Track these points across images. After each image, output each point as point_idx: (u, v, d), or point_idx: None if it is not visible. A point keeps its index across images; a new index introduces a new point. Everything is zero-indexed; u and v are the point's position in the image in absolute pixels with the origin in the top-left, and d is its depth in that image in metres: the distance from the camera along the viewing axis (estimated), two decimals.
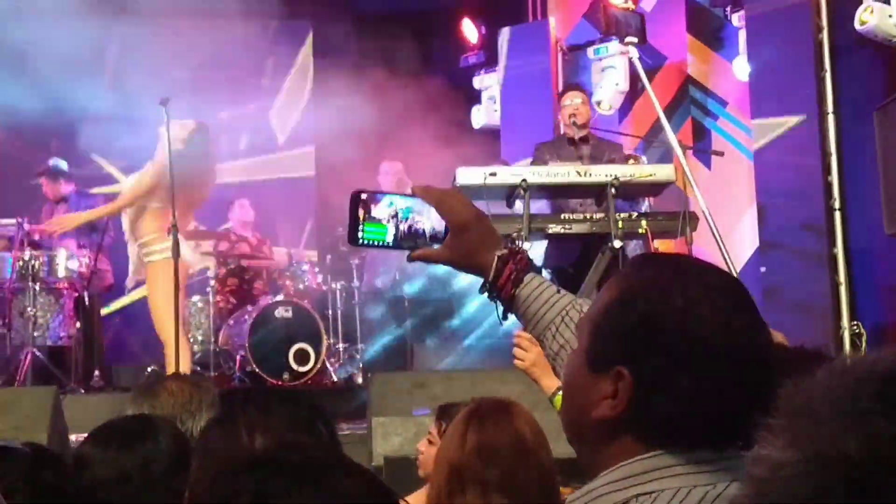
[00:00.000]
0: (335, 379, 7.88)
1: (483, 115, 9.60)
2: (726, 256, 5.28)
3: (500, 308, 1.65)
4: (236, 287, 8.23)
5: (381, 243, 1.62)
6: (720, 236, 5.29)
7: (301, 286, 8.16)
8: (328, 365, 7.84)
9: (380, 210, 1.60)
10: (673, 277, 1.21)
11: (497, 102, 9.57)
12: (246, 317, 7.68)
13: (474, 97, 9.85)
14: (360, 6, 9.81)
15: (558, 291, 1.62)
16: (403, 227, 1.61)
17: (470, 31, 9.89)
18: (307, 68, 10.36)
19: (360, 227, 1.60)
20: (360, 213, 1.59)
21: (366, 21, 9.81)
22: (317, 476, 0.94)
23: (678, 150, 5.74)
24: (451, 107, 9.45)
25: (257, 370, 7.42)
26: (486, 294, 1.64)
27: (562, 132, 6.93)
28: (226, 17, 8.84)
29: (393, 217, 1.61)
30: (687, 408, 1.15)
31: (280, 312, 7.63)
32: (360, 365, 8.06)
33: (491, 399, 2.59)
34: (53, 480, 1.93)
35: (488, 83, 9.73)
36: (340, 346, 8.12)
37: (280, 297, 7.80)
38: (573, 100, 6.61)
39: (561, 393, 2.67)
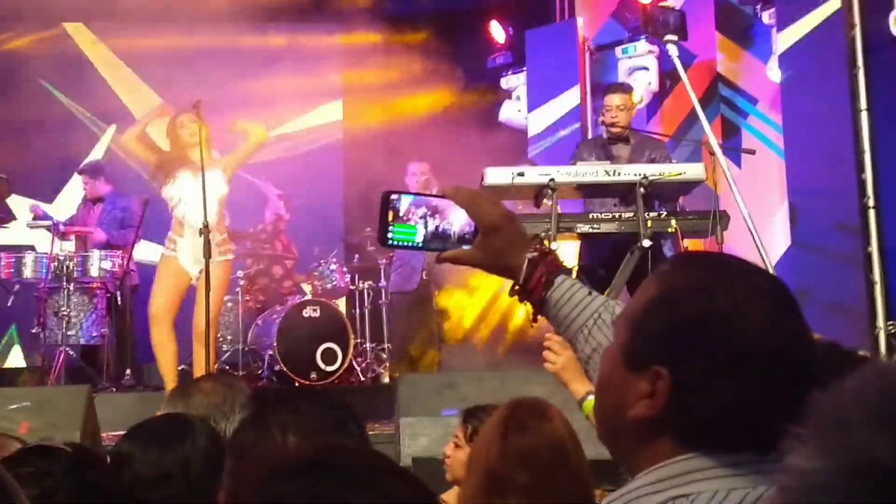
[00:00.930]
0: (362, 378, 7.91)
1: (511, 110, 9.60)
2: (763, 256, 5.23)
3: (531, 310, 1.64)
4: (265, 286, 8.28)
5: (410, 244, 1.62)
6: (758, 235, 5.23)
7: (329, 286, 8.19)
8: (355, 364, 7.87)
9: (409, 211, 1.61)
10: (717, 277, 1.19)
11: (524, 103, 9.56)
12: (274, 316, 7.73)
13: (502, 98, 9.85)
14: (388, 7, 9.82)
15: (590, 293, 1.60)
16: (433, 228, 1.61)
17: (497, 31, 9.89)
18: (336, 69, 10.39)
19: (390, 228, 1.60)
20: (390, 214, 1.60)
21: (394, 22, 9.83)
22: (367, 478, 0.95)
23: (715, 145, 5.68)
24: (479, 108, 9.46)
25: (285, 369, 7.47)
26: (515, 296, 1.63)
27: (600, 131, 6.91)
28: (255, 17, 8.91)
29: (422, 218, 1.61)
30: (727, 410, 1.13)
31: (308, 312, 7.67)
32: (387, 365, 8.08)
33: (526, 401, 2.55)
34: (95, 479, 1.94)
35: (515, 83, 9.73)
36: (367, 345, 8.14)
37: (308, 297, 7.84)
38: (616, 101, 6.57)
39: (590, 398, 2.67)
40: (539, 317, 1.64)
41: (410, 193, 1.62)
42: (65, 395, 5.17)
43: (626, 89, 6.83)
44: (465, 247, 1.61)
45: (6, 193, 7.38)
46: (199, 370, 5.94)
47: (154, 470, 2.05)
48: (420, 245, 1.62)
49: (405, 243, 1.62)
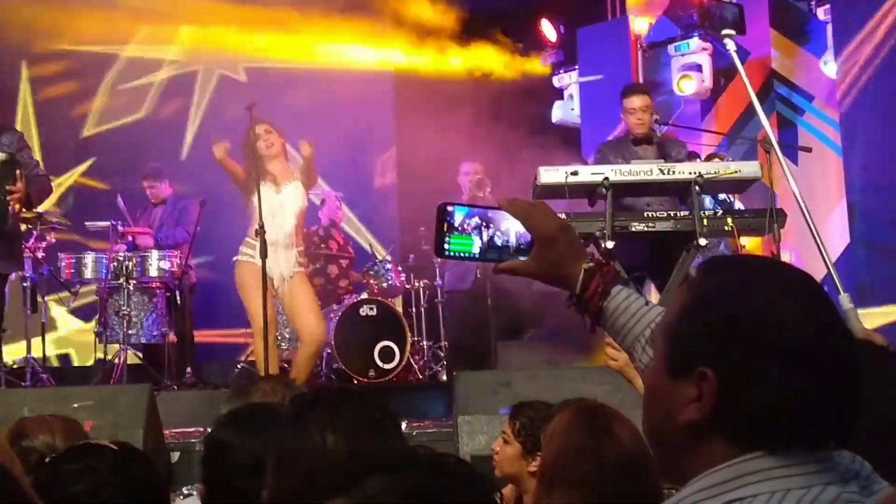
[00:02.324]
0: (420, 376, 7.96)
1: (562, 110, 9.58)
2: (823, 254, 5.17)
3: (588, 320, 1.65)
4: (322, 286, 8.36)
5: (467, 255, 1.64)
6: (818, 233, 5.17)
7: (385, 284, 8.25)
8: (413, 362, 7.92)
9: (465, 222, 1.62)
10: (749, 276, 1.21)
11: (576, 101, 9.55)
12: (332, 315, 7.80)
13: (554, 97, 9.84)
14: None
15: (646, 304, 1.62)
16: (489, 239, 1.62)
17: (549, 30, 9.88)
18: (389, 69, 10.43)
19: (447, 239, 1.62)
20: (446, 225, 1.62)
21: (447, 21, 9.84)
22: (464, 474, 0.97)
23: (774, 142, 5.63)
24: (531, 107, 9.45)
25: (343, 367, 7.54)
26: (572, 307, 1.64)
27: (625, 132, 6.87)
28: (311, 18, 8.99)
29: (478, 229, 1.62)
30: (773, 405, 1.14)
31: (365, 310, 7.73)
32: (444, 363, 8.12)
33: (598, 405, 2.51)
34: (140, 475, 1.99)
35: (567, 82, 9.71)
36: (424, 343, 8.19)
37: (365, 296, 7.91)
38: (636, 102, 6.54)
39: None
40: (596, 326, 1.66)
41: (466, 205, 1.64)
42: (127, 394, 5.27)
43: (644, 90, 6.84)
44: (521, 258, 1.62)
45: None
46: (259, 368, 6.03)
47: (251, 458, 2.07)
48: (476, 256, 1.63)
49: (461, 254, 1.63)
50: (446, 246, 1.62)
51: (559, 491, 2.33)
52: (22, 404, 4.71)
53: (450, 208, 1.62)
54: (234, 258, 6.19)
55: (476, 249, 1.62)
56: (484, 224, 1.62)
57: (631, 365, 2.75)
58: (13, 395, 5.81)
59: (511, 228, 1.62)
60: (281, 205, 6.05)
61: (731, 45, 5.86)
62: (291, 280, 6.10)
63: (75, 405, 4.85)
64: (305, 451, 1.57)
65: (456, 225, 1.61)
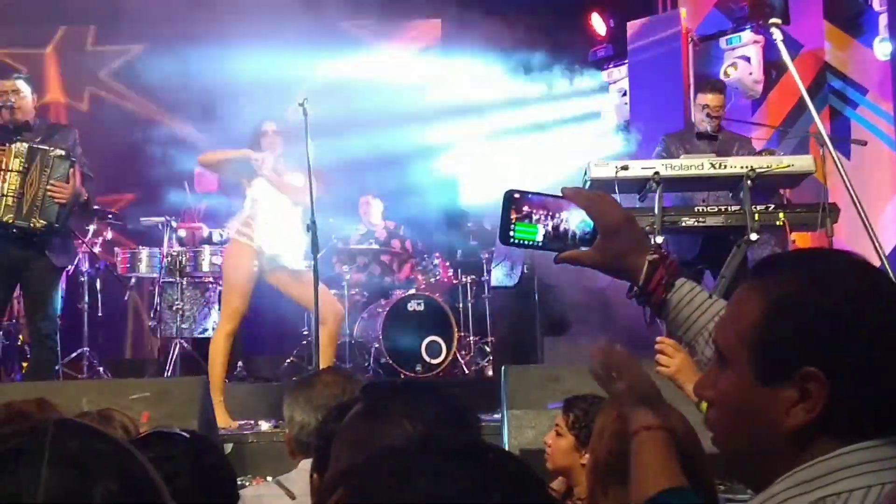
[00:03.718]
0: (466, 371, 7.98)
1: (615, 113, 9.53)
2: (878, 249, 5.11)
3: (648, 312, 1.65)
4: (369, 282, 8.41)
5: (530, 243, 1.63)
6: (871, 227, 5.11)
7: (432, 279, 8.28)
8: (459, 357, 7.95)
9: (531, 210, 1.62)
10: (823, 270, 1.21)
11: (626, 95, 9.50)
12: (379, 310, 7.85)
13: (603, 91, 9.80)
14: (488, 2, 9.84)
15: (710, 296, 1.61)
16: (552, 228, 1.62)
17: (598, 24, 9.84)
18: (436, 65, 10.45)
19: (512, 227, 1.61)
20: (512, 212, 1.61)
21: (494, 17, 9.85)
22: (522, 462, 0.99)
23: (825, 136, 5.56)
24: (581, 101, 9.42)
25: (391, 362, 7.59)
26: (634, 298, 1.64)
27: (692, 124, 6.84)
28: (358, 16, 9.04)
29: (542, 218, 1.62)
30: (883, 397, 1.13)
31: (412, 305, 7.78)
32: (491, 358, 8.13)
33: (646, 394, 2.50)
34: (213, 463, 2.01)
35: (617, 76, 9.66)
36: (471, 338, 8.21)
37: (412, 291, 7.95)
38: (710, 100, 6.52)
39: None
40: (656, 319, 1.65)
41: (532, 192, 1.63)
42: (182, 386, 5.34)
43: (721, 89, 6.79)
44: (584, 247, 1.62)
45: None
46: (212, 360, 6.06)
47: None
48: (540, 245, 1.63)
49: (526, 242, 1.63)
50: (511, 233, 1.62)
51: (614, 485, 2.33)
52: (81, 396, 4.80)
53: (516, 195, 1.62)
54: (228, 235, 6.25)
55: (540, 237, 1.62)
56: (549, 212, 1.62)
57: (682, 371, 2.75)
58: (71, 387, 5.91)
59: (575, 218, 1.62)
60: (279, 200, 6.07)
61: (777, 35, 5.78)
62: (305, 269, 6.04)
63: (133, 396, 4.93)
64: (385, 441, 1.56)
65: (522, 213, 1.61)
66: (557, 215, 1.62)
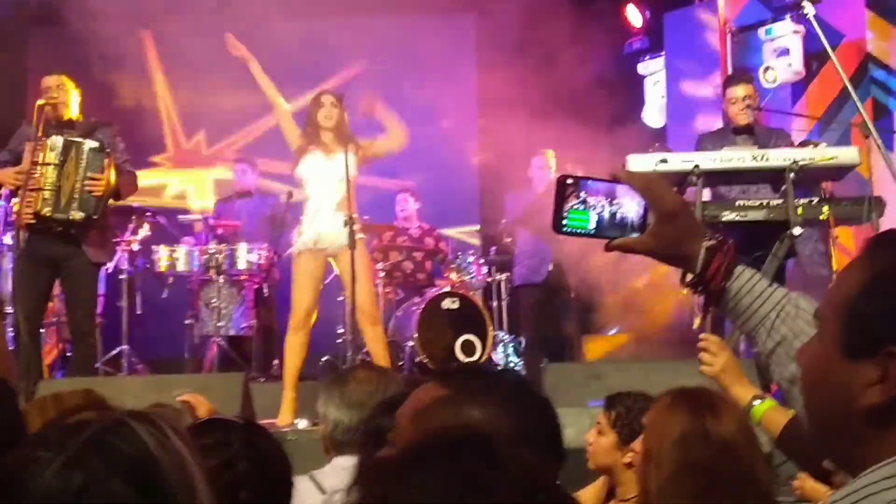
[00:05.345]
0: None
1: (654, 112, 9.46)
2: None
3: (701, 300, 1.59)
4: (403, 279, 8.40)
5: (584, 231, 1.59)
6: None
7: (466, 277, 8.25)
8: (494, 356, 7.92)
9: (584, 197, 1.57)
10: None
11: (663, 88, 9.41)
12: (414, 308, 7.83)
13: (639, 83, 9.72)
14: None
15: (770, 285, 1.56)
16: (607, 215, 1.57)
17: (634, 15, 9.76)
18: (470, 60, 10.43)
19: (565, 215, 1.57)
20: (566, 199, 1.57)
21: (528, 10, 9.79)
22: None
23: (871, 127, 5.47)
24: (616, 94, 9.34)
25: (425, 360, 7.56)
26: (688, 286, 1.59)
27: (728, 122, 6.77)
28: (389, 12, 9.03)
29: (597, 204, 1.57)
30: None
31: (447, 304, 7.74)
32: (525, 356, 8.09)
33: (701, 389, 2.46)
34: (269, 449, 2.03)
35: (653, 69, 9.58)
36: (505, 337, 8.18)
37: (446, 289, 7.91)
38: (739, 92, 6.44)
39: (757, 403, 2.59)
40: (709, 307, 1.61)
41: (586, 178, 1.59)
42: (222, 383, 5.37)
43: (749, 79, 6.71)
44: (635, 234, 1.57)
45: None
46: (287, 366, 6.06)
47: None
48: (593, 233, 1.58)
49: (579, 230, 1.58)
50: (564, 222, 1.57)
51: (666, 478, 2.28)
52: (123, 393, 4.82)
53: (570, 182, 1.58)
54: (291, 251, 6.21)
55: (592, 225, 1.58)
56: (602, 198, 1.57)
57: (727, 372, 2.69)
58: (114, 383, 5.96)
59: (628, 203, 1.57)
60: (330, 171, 6.01)
61: (809, 10, 5.64)
62: (351, 248, 6.02)
63: (176, 394, 4.94)
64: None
65: (576, 200, 1.57)
66: (611, 201, 1.57)
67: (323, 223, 5.98)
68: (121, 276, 7.86)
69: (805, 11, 5.60)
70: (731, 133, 6.50)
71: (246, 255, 7.66)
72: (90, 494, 1.03)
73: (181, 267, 7.75)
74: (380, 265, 8.21)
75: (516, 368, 7.97)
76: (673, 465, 2.28)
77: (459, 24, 10.45)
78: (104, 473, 1.05)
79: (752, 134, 6.46)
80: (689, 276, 1.57)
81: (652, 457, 2.36)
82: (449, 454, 0.96)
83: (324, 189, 6.01)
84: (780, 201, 5.66)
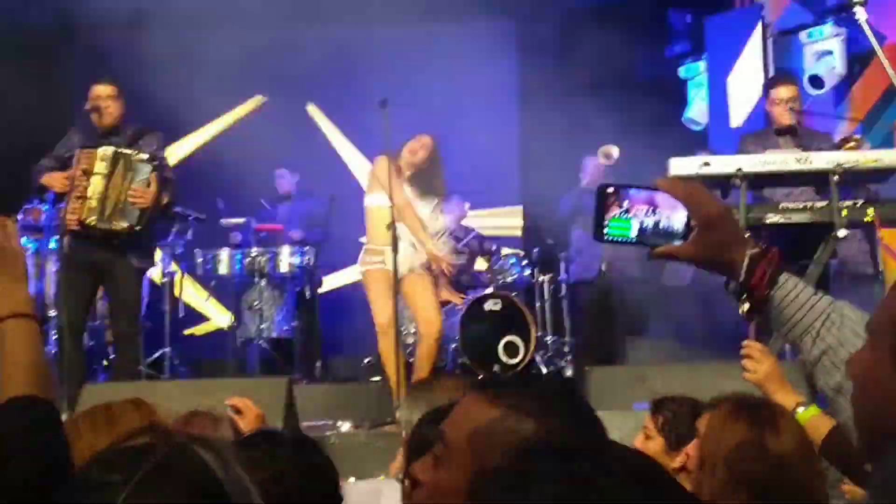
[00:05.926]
0: (544, 371, 7.93)
1: (696, 114, 9.41)
2: None
3: (745, 308, 1.56)
4: (447, 280, 8.40)
5: (625, 239, 1.58)
6: None
7: (509, 279, 8.25)
8: (537, 357, 7.91)
9: (625, 205, 1.57)
10: None
11: (704, 91, 9.37)
12: (457, 309, 7.84)
13: (680, 87, 9.68)
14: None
15: (815, 293, 1.54)
16: (648, 223, 1.57)
17: (675, 19, 9.72)
18: (511, 65, 10.44)
19: (606, 223, 1.57)
20: (606, 207, 1.57)
21: (568, 14, 9.78)
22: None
23: None
24: (657, 97, 9.31)
25: (468, 362, 7.57)
26: (732, 293, 1.57)
27: (770, 123, 6.74)
28: (430, 19, 9.05)
29: (638, 212, 1.57)
30: None
31: (490, 305, 7.74)
32: (569, 357, 8.08)
33: (760, 399, 2.44)
34: (318, 462, 2.02)
35: (695, 72, 9.53)
36: (549, 338, 8.16)
37: (490, 290, 7.92)
38: (783, 93, 6.41)
39: (801, 410, 2.58)
40: (754, 315, 1.60)
41: (626, 186, 1.59)
42: (266, 386, 5.39)
43: (793, 80, 6.69)
44: (678, 242, 1.56)
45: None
46: (388, 364, 6.09)
47: None
48: (635, 240, 1.58)
49: (620, 238, 1.58)
50: (605, 230, 1.58)
51: (719, 486, 2.26)
52: (167, 397, 4.86)
53: (610, 190, 1.58)
54: (361, 269, 6.24)
55: (633, 233, 1.58)
56: (644, 207, 1.57)
57: (771, 379, 2.67)
58: (157, 388, 6.01)
59: (671, 211, 1.57)
60: (413, 201, 6.08)
61: (861, 15, 5.59)
62: (416, 271, 6.12)
63: (221, 397, 4.97)
64: (503, 438, 1.54)
65: (616, 208, 1.57)
66: (652, 209, 1.57)
67: (404, 252, 6.07)
68: (163, 280, 7.94)
69: (857, 17, 5.55)
70: (774, 134, 6.47)
71: (288, 258, 7.72)
72: None
73: (223, 270, 7.82)
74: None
75: (560, 370, 7.95)
76: (726, 475, 2.27)
77: (500, 30, 10.45)
78: (174, 498, 1.08)
79: (795, 135, 6.42)
80: (733, 284, 1.56)
81: (706, 464, 2.35)
82: (562, 460, 0.97)
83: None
84: (824, 203, 5.61)
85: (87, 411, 2.57)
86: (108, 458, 1.14)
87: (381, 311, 6.03)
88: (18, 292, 1.81)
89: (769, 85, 6.55)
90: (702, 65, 9.42)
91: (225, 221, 8.34)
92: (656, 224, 1.57)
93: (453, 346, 7.69)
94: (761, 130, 6.82)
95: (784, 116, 6.37)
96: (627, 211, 1.58)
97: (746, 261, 1.53)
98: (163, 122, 7.06)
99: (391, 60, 9.50)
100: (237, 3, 8.81)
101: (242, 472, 1.17)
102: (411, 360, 7.50)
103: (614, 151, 8.14)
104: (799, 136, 6.42)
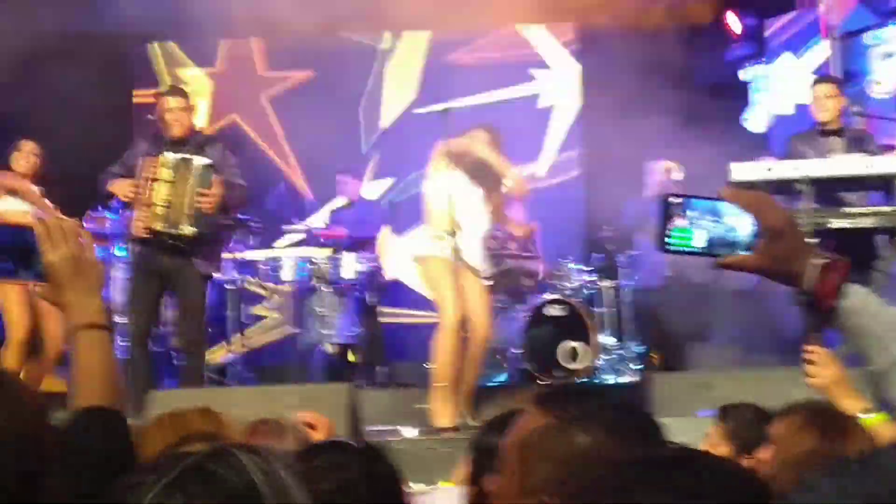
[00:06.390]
0: (606, 377, 7.89)
1: (757, 118, 9.32)
2: None
3: (812, 318, 1.57)
4: (506, 286, 8.40)
5: (688, 249, 1.58)
6: None
7: (570, 284, 8.22)
8: (599, 363, 7.86)
9: (688, 214, 1.57)
10: None
11: (765, 95, 9.27)
12: (517, 314, 7.84)
13: (741, 91, 9.58)
14: (621, 3, 9.74)
15: (884, 304, 1.53)
16: (713, 232, 1.56)
17: (734, 22, 9.62)
18: (573, 70, 10.41)
19: (669, 233, 1.57)
20: (669, 217, 1.57)
21: (629, 19, 9.73)
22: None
23: None
24: (717, 101, 9.23)
25: (529, 368, 7.56)
26: (799, 304, 1.55)
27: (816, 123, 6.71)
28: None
29: (701, 222, 1.56)
30: None
31: (551, 311, 7.72)
32: (633, 365, 8.02)
33: (827, 407, 2.41)
34: (386, 473, 2.01)
35: (756, 75, 9.43)
36: (612, 344, 8.12)
37: (551, 296, 7.89)
38: (822, 90, 6.48)
39: (868, 416, 2.54)
40: (821, 325, 1.59)
41: (689, 196, 1.58)
42: (330, 392, 5.44)
43: (831, 79, 6.75)
44: (742, 252, 1.55)
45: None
46: (445, 365, 6.08)
47: None
48: (698, 250, 1.57)
49: (684, 248, 1.57)
50: (668, 240, 1.57)
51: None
52: (232, 404, 4.93)
53: (673, 200, 1.57)
54: (418, 253, 6.09)
55: (697, 243, 1.56)
56: (708, 216, 1.56)
57: (836, 385, 2.64)
58: (222, 394, 6.10)
59: (733, 221, 1.55)
60: (470, 194, 6.04)
61: None
62: (475, 271, 6.07)
63: (282, 403, 5.04)
64: (560, 450, 1.55)
65: (679, 217, 1.56)
66: (717, 219, 1.56)
67: (471, 252, 6.04)
68: (227, 286, 8.05)
69: None
70: (820, 134, 6.47)
71: (351, 265, 7.78)
72: None
73: (287, 276, 7.90)
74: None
75: (623, 377, 7.91)
76: (794, 480, 2.25)
77: (560, 33, 10.43)
78: (202, 498, 1.09)
79: (841, 135, 6.41)
80: (800, 295, 1.54)
81: (776, 476, 2.33)
82: (666, 469, 0.97)
83: (473, 215, 6.08)
84: (890, 208, 5.54)
85: (157, 418, 2.62)
86: (154, 461, 1.17)
87: (451, 304, 5.80)
88: (93, 303, 1.85)
89: (812, 84, 6.60)
90: (764, 67, 9.30)
91: (287, 227, 8.44)
92: (722, 234, 1.56)
93: (513, 351, 7.68)
94: (808, 131, 6.80)
95: (819, 113, 6.43)
96: (691, 221, 1.57)
97: (814, 271, 1.52)
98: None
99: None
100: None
101: (291, 479, 1.16)
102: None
103: (676, 169, 8.08)
104: (846, 136, 6.39)
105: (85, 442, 1.67)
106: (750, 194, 1.56)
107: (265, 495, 1.10)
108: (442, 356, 5.86)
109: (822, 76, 6.91)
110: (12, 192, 6.53)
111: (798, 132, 6.84)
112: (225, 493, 1.09)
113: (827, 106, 6.38)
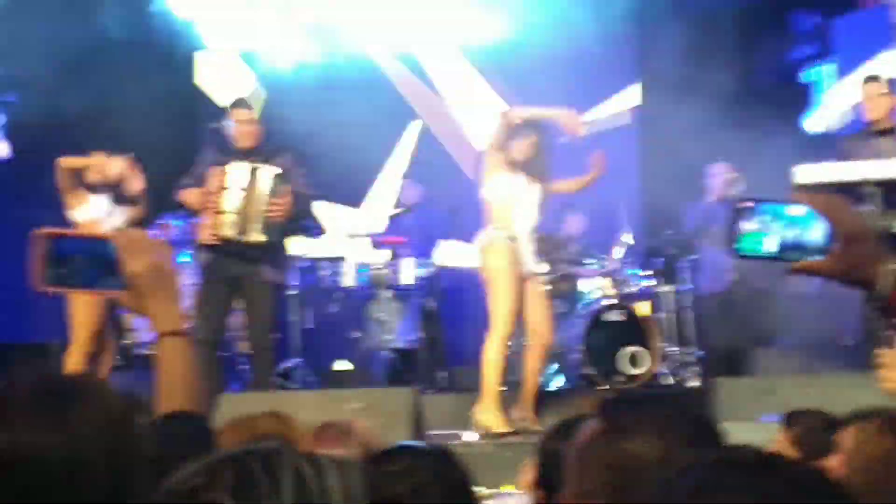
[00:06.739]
0: (668, 383, 7.84)
1: (821, 119, 9.20)
2: None
3: (886, 323, 1.58)
4: (565, 291, 8.39)
5: (759, 254, 1.57)
6: None
7: (631, 289, 8.19)
8: (661, 368, 7.81)
9: (760, 219, 1.56)
10: None
11: (831, 95, 9.15)
12: (577, 319, 7.82)
13: (804, 92, 9.47)
14: (685, 4, 9.67)
15: None
16: (786, 237, 1.55)
17: (801, 21, 9.52)
18: (633, 73, 10.37)
19: (740, 238, 1.56)
20: (740, 222, 1.56)
21: (691, 18, 9.66)
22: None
23: None
24: (780, 102, 9.14)
25: (590, 373, 7.54)
26: (875, 310, 1.55)
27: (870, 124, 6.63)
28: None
29: (774, 227, 1.55)
30: None
31: (611, 316, 7.69)
32: (694, 369, 7.96)
33: None
34: (459, 477, 2.02)
35: (821, 76, 9.32)
36: (673, 349, 8.06)
37: (611, 301, 7.87)
38: (869, 90, 6.44)
39: None
40: None
41: (761, 200, 1.58)
42: (393, 396, 5.50)
43: (877, 78, 6.62)
44: (815, 257, 1.54)
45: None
46: (494, 370, 6.10)
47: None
48: (771, 255, 1.56)
49: (755, 253, 1.57)
50: (740, 245, 1.57)
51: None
52: (299, 407, 5.01)
53: (744, 205, 1.57)
54: (481, 242, 6.05)
55: (769, 248, 1.56)
56: (781, 221, 1.55)
57: None
58: (289, 398, 6.17)
59: (806, 225, 1.54)
60: (526, 195, 6.04)
61: None
62: (535, 278, 6.09)
63: (350, 407, 5.11)
64: (614, 456, 1.57)
65: (751, 222, 1.56)
66: (787, 223, 1.55)
67: (524, 251, 6.04)
68: (292, 291, 8.15)
69: None
70: (871, 135, 6.42)
71: (411, 270, 7.84)
72: None
73: (348, 282, 7.99)
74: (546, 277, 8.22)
75: (686, 382, 7.86)
76: (872, 494, 2.24)
77: (620, 35, 10.39)
78: (226, 487, 1.09)
79: (891, 136, 6.36)
80: (874, 300, 1.53)
81: (853, 478, 2.32)
82: (748, 474, 0.99)
83: (522, 213, 6.08)
84: None
85: (231, 422, 2.69)
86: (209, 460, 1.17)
87: (504, 319, 5.84)
88: (174, 311, 1.91)
89: (863, 83, 6.55)
90: (829, 68, 9.18)
91: (349, 234, 8.52)
92: (794, 239, 1.55)
93: (573, 356, 7.67)
94: (860, 132, 6.72)
95: (869, 111, 6.36)
96: (762, 225, 1.56)
97: (890, 276, 1.51)
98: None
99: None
100: None
101: (344, 483, 1.15)
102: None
103: (734, 179, 8.02)
104: (895, 137, 6.33)
105: (170, 446, 1.72)
106: (822, 198, 1.55)
107: (312, 492, 1.11)
108: (490, 366, 5.94)
109: (869, 76, 6.80)
110: (121, 179, 6.61)
111: (849, 133, 6.79)
112: (251, 488, 1.09)
113: (878, 105, 6.32)
